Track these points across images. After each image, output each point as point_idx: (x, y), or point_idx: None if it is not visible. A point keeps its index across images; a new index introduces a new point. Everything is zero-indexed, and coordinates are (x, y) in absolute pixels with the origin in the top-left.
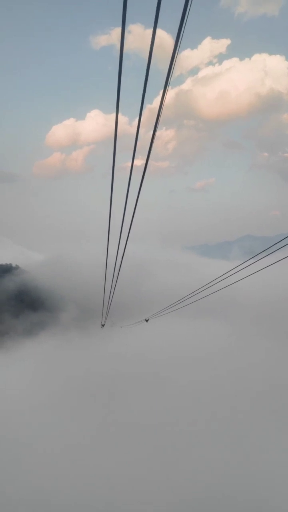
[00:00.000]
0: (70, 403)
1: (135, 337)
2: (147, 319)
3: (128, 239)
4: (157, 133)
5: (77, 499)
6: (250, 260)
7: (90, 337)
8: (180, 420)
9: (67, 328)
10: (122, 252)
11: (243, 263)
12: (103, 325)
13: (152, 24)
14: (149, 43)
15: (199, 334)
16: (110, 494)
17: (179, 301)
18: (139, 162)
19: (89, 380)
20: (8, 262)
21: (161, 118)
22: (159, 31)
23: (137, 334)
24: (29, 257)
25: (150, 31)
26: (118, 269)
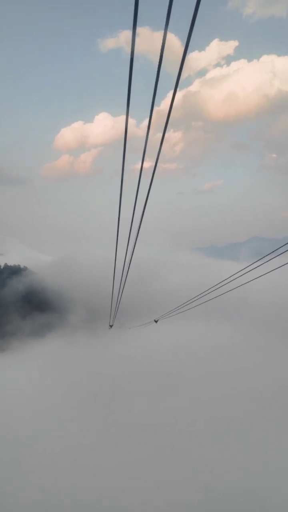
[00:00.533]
0: (76, 404)
1: (144, 338)
2: (156, 320)
3: (137, 241)
4: (165, 135)
5: (80, 500)
6: (260, 261)
7: (98, 339)
8: (189, 422)
9: (74, 330)
10: (131, 253)
11: (252, 263)
12: (111, 326)
13: (160, 26)
14: (157, 45)
15: (207, 336)
16: (113, 495)
17: (189, 302)
18: (147, 164)
19: (96, 381)
20: (16, 264)
21: (170, 120)
22: (167, 34)
23: (145, 336)
24: (37, 258)
25: (158, 33)
26: (126, 270)
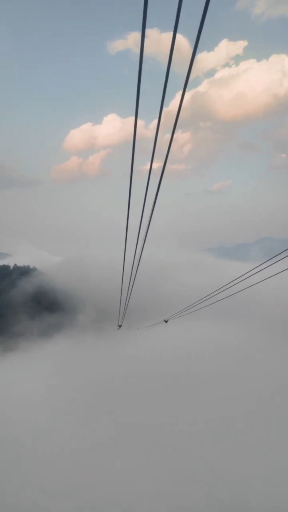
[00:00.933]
0: (83, 404)
1: (152, 339)
2: (166, 320)
3: (146, 242)
4: (174, 136)
5: (84, 501)
6: (269, 261)
7: (106, 339)
8: (198, 423)
9: (83, 330)
10: (139, 254)
11: (262, 263)
12: (120, 326)
13: (168, 28)
14: (166, 46)
15: (216, 336)
16: (119, 497)
17: (199, 302)
18: (156, 165)
19: (103, 382)
20: (26, 264)
21: (177, 122)
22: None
23: (153, 336)
24: (46, 259)
25: (167, 34)
26: (135, 270)
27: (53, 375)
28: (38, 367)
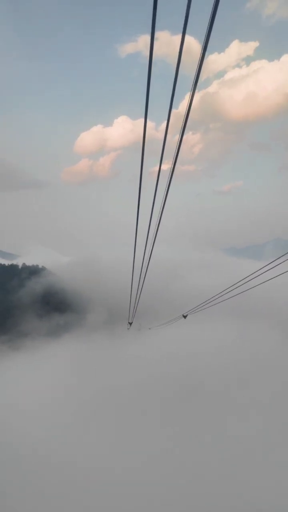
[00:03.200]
0: (90, 405)
1: (164, 340)
2: (185, 314)
3: (156, 242)
4: (184, 137)
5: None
6: (284, 256)
7: (116, 340)
8: (210, 427)
9: (92, 331)
10: (149, 253)
11: (279, 257)
12: (130, 324)
13: (179, 30)
14: (176, 49)
15: (228, 335)
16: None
17: (217, 296)
18: (166, 166)
19: (113, 383)
20: (35, 264)
21: (187, 123)
22: (186, 37)
23: (165, 337)
24: (57, 259)
25: (177, 37)
26: (144, 269)
27: (60, 375)
28: (44, 367)
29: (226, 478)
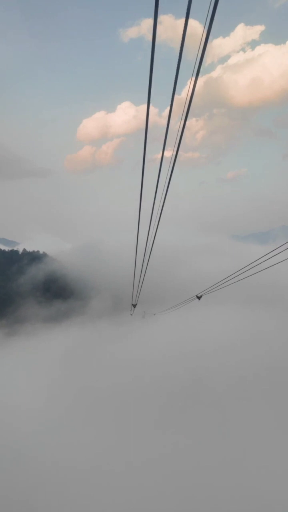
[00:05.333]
0: (90, 395)
1: (169, 326)
2: (199, 295)
3: (160, 228)
4: (187, 123)
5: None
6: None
7: (120, 326)
8: (216, 420)
9: (95, 317)
10: (153, 239)
11: (281, 246)
12: (134, 306)
13: (183, 14)
14: (180, 33)
15: (234, 322)
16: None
17: (233, 275)
18: (169, 153)
19: (114, 371)
20: (36, 250)
21: (191, 108)
22: (190, 21)
23: (171, 323)
24: (59, 246)
25: (181, 21)
26: (148, 254)
27: (58, 362)
28: (42, 353)
29: (226, 480)
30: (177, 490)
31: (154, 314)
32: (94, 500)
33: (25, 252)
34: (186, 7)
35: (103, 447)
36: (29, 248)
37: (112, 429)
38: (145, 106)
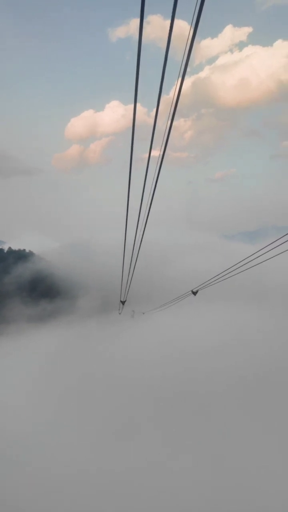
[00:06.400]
0: (80, 396)
1: (159, 325)
2: (194, 290)
3: (148, 227)
4: (175, 123)
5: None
6: (275, 242)
7: (108, 326)
8: (206, 416)
9: (83, 317)
10: (141, 237)
11: (273, 242)
12: (123, 303)
13: (170, 15)
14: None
15: (223, 319)
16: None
17: (229, 270)
18: (157, 152)
19: (103, 371)
20: (21, 248)
21: (179, 108)
22: (179, 21)
23: (160, 322)
24: (47, 244)
25: (169, 21)
26: (137, 252)
27: (44, 363)
28: (27, 354)
29: (226, 481)
30: (176, 490)
31: (143, 313)
32: (87, 502)
33: (10, 251)
34: (172, 7)
35: (92, 449)
36: (15, 247)
37: (102, 430)
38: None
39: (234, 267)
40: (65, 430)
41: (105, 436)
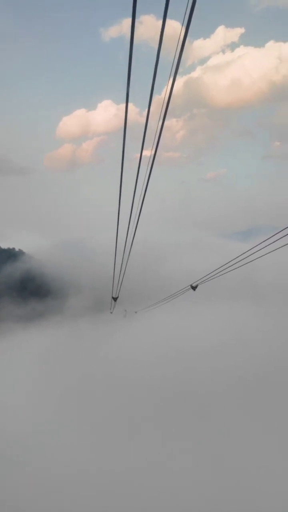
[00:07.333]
0: (73, 397)
1: (152, 324)
2: (194, 285)
3: (141, 227)
4: (168, 123)
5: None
6: (271, 238)
7: (100, 326)
8: (201, 415)
9: (74, 317)
10: (132, 237)
11: (265, 240)
12: (115, 300)
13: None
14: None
15: (219, 318)
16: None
17: (227, 265)
18: (149, 152)
19: (94, 372)
20: (11, 247)
21: (171, 109)
22: (172, 22)
23: (153, 321)
24: (38, 243)
25: (162, 21)
26: (127, 253)
27: (37, 362)
28: (20, 354)
29: (226, 481)
30: (176, 490)
31: (136, 312)
32: (87, 502)
33: (0, 250)
34: (168, 7)
35: (92, 449)
36: (5, 246)
37: (102, 430)
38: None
39: (234, 261)
40: (65, 430)
41: (105, 436)
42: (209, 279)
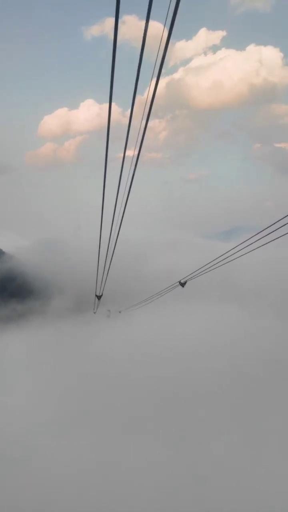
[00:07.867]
0: (58, 401)
1: (138, 323)
2: (182, 282)
3: (125, 227)
4: (151, 124)
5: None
6: (252, 238)
7: (84, 327)
8: (193, 415)
9: (56, 317)
10: (115, 237)
11: (248, 239)
12: (98, 298)
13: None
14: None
15: (202, 318)
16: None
17: (214, 261)
18: (132, 153)
19: (80, 373)
20: None
21: (154, 109)
22: (154, 23)
23: (137, 322)
24: (18, 243)
25: (144, 22)
26: (111, 252)
27: (19, 363)
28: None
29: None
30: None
31: (120, 312)
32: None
33: None
34: (151, 8)
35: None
36: None
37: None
38: (108, 104)
39: (223, 257)
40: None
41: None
42: (198, 275)
